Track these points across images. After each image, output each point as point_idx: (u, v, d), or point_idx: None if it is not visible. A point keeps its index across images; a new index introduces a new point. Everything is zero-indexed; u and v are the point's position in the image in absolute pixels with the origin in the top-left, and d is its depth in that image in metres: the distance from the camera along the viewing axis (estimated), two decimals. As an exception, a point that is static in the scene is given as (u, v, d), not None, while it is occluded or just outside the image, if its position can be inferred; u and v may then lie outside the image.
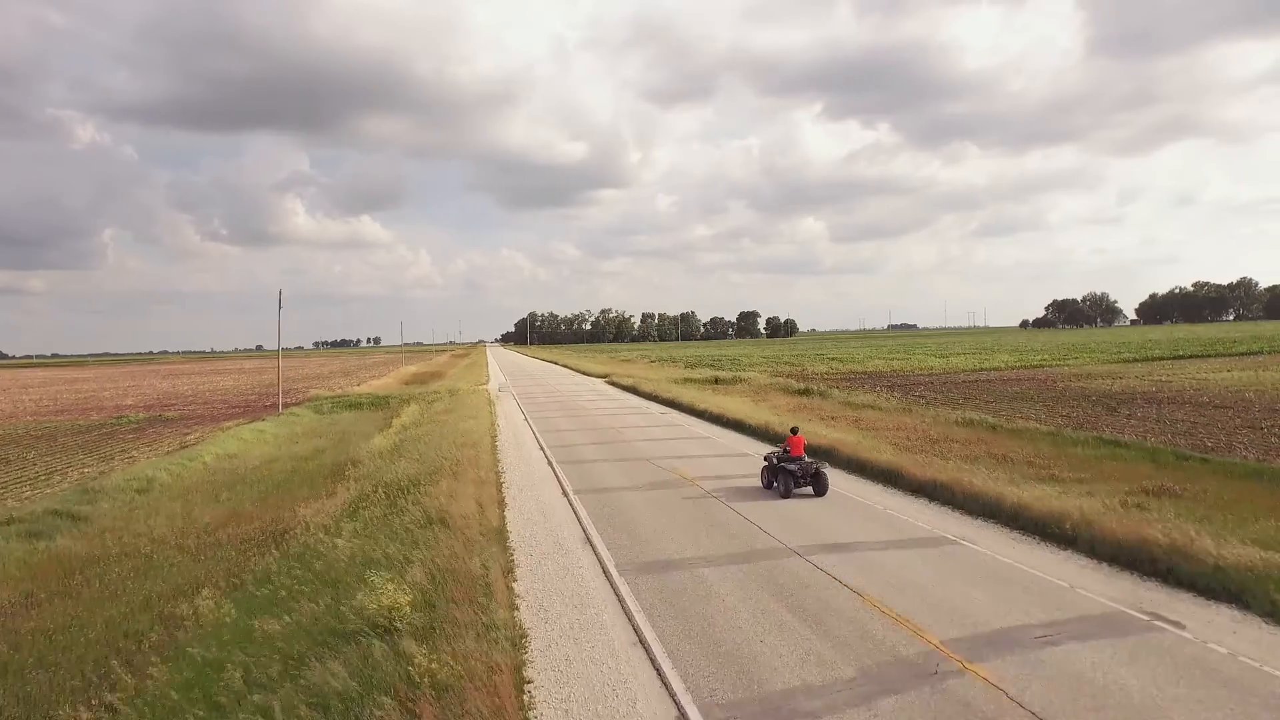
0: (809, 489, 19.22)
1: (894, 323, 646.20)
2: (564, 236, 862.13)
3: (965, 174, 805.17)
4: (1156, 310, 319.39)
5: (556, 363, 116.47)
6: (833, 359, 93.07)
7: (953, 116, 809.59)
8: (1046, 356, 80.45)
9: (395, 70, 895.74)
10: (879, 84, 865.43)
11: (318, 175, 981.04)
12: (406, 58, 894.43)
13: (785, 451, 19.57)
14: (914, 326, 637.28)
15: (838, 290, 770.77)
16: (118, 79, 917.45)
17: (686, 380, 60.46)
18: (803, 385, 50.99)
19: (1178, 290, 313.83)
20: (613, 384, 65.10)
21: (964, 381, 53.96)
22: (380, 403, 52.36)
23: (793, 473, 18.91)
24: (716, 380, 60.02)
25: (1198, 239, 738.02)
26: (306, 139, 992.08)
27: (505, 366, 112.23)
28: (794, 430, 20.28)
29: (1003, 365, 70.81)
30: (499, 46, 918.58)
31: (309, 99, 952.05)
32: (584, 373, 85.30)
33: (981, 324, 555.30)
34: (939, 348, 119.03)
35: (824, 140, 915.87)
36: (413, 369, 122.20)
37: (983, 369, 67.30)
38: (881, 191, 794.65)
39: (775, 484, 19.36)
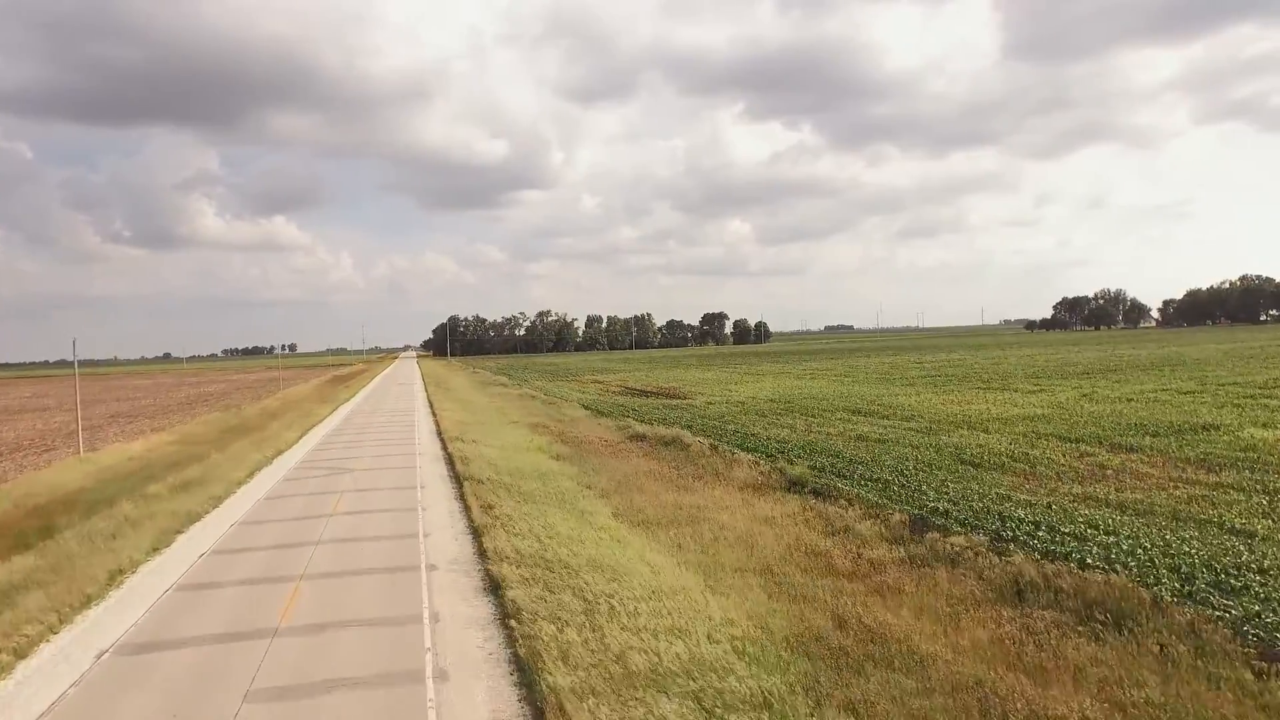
0: None
1: (829, 324, 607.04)
2: (488, 239, 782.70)
3: (888, 176, 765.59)
4: (1198, 308, 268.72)
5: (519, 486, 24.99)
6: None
7: (875, 118, 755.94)
8: None
9: (302, 63, 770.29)
10: (801, 84, 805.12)
11: (226, 174, 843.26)
12: (313, 50, 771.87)
13: None
14: (850, 329, 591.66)
15: (768, 292, 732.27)
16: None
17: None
18: None
19: (1227, 284, 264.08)
20: None
21: None
22: None
23: None
24: None
25: (1109, 241, 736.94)
26: (211, 135, 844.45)
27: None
28: None
29: None
30: (411, 39, 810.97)
31: (210, 92, 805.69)
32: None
33: (918, 326, 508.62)
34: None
35: (748, 141, 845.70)
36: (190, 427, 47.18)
37: None
38: (806, 193, 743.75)
39: None
